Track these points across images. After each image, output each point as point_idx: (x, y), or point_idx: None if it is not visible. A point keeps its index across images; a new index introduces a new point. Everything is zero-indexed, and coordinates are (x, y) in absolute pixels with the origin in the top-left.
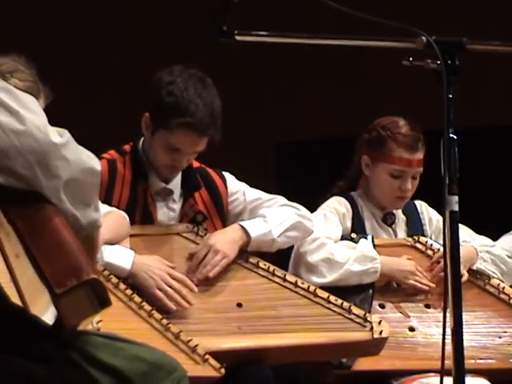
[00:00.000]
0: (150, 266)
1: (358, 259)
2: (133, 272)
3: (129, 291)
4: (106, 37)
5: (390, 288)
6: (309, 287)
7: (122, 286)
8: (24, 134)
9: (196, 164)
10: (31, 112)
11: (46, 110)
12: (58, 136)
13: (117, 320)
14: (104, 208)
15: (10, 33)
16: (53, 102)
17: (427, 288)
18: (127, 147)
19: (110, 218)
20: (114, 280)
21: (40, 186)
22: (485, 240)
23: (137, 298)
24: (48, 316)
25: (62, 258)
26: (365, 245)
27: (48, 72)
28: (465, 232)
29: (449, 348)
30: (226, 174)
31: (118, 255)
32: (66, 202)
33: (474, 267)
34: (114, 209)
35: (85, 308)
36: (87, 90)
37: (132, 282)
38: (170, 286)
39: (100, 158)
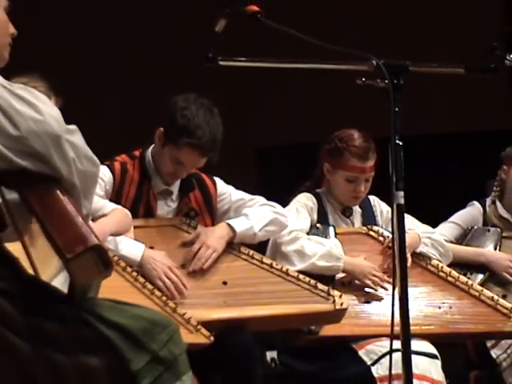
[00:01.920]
0: (155, 259)
1: (325, 256)
2: (141, 263)
3: (134, 273)
4: (110, 53)
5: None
6: (282, 268)
7: (129, 269)
8: (41, 122)
9: (193, 170)
10: (47, 105)
11: None
12: (69, 126)
13: (124, 297)
14: (110, 205)
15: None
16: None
17: (380, 286)
18: (137, 153)
19: (116, 214)
20: (122, 264)
21: (56, 164)
22: (426, 227)
23: (141, 279)
24: (58, 281)
25: (70, 229)
26: (333, 244)
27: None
28: (409, 221)
29: (397, 316)
30: (216, 179)
31: (131, 248)
32: (78, 184)
33: (418, 250)
34: (119, 206)
35: (92, 269)
36: (88, 103)
37: (139, 271)
38: (168, 278)
39: (114, 161)
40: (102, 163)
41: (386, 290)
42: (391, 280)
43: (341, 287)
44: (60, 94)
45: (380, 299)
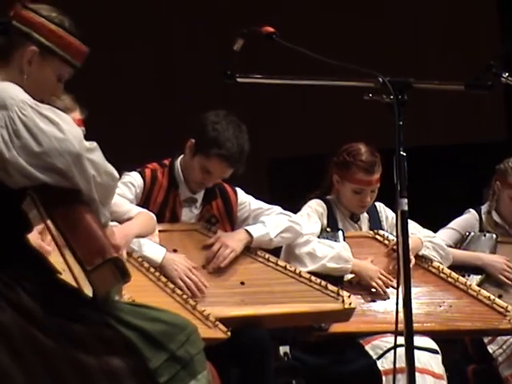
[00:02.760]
0: (175, 261)
1: (334, 258)
2: (162, 265)
3: (157, 273)
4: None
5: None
6: (295, 270)
7: (152, 270)
8: (64, 140)
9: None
10: (69, 125)
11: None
12: (89, 144)
13: (148, 295)
14: (136, 209)
15: None
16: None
17: (384, 290)
18: (166, 161)
19: (141, 217)
20: (146, 265)
21: (76, 181)
22: (427, 232)
23: (163, 279)
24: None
25: (90, 243)
26: (342, 247)
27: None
28: (412, 226)
29: (401, 314)
30: (238, 189)
31: (153, 250)
32: (96, 198)
33: (420, 253)
34: (145, 210)
35: (110, 279)
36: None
37: (161, 272)
38: (189, 278)
39: (145, 168)
40: (134, 170)
41: (388, 293)
42: (395, 283)
43: (349, 287)
44: (84, 106)
45: (385, 298)
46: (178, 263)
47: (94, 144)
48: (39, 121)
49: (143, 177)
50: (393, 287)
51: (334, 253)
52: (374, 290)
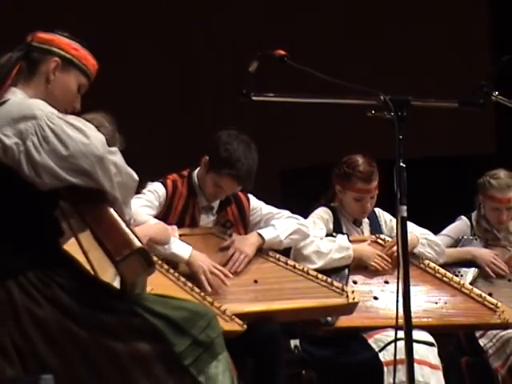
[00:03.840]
0: (200, 259)
1: (338, 249)
2: (188, 261)
3: (176, 274)
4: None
5: (360, 270)
6: (303, 268)
7: (172, 271)
8: (88, 145)
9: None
10: (93, 131)
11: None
12: (112, 148)
13: (169, 293)
14: (153, 220)
15: None
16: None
17: (383, 267)
18: (185, 172)
19: (157, 225)
20: (166, 266)
21: (100, 181)
22: (423, 230)
23: (182, 279)
24: (116, 284)
25: (117, 236)
26: (341, 238)
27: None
28: (409, 225)
29: (401, 311)
30: (250, 196)
31: (181, 248)
32: (119, 197)
33: (416, 250)
34: (161, 222)
35: (137, 268)
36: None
37: (187, 268)
38: (212, 273)
39: (166, 179)
40: (157, 180)
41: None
42: (390, 264)
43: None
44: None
45: (385, 274)
46: (204, 260)
47: (115, 148)
48: (66, 127)
49: (165, 186)
50: (389, 264)
51: (336, 245)
52: (375, 287)
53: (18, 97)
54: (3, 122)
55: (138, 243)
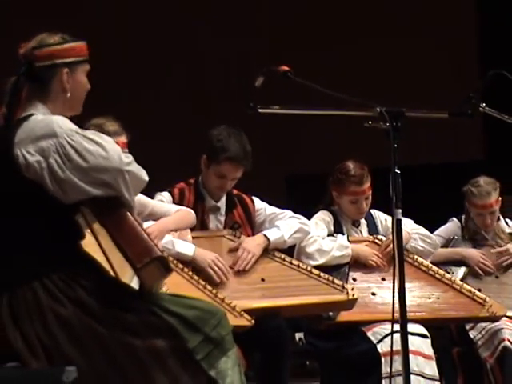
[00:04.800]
0: (204, 253)
1: (338, 247)
2: (194, 258)
3: (190, 273)
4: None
5: (359, 268)
6: (306, 267)
7: (186, 270)
8: (107, 158)
9: (235, 191)
10: (110, 144)
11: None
12: (127, 158)
13: (183, 291)
14: (174, 207)
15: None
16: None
17: (379, 265)
18: (191, 180)
19: (178, 213)
20: (180, 266)
21: (119, 189)
22: (414, 225)
23: (195, 277)
24: (133, 284)
25: (138, 245)
26: (341, 238)
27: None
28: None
29: (397, 305)
30: (254, 198)
31: (185, 247)
32: (134, 201)
33: (409, 246)
34: (183, 207)
35: (156, 274)
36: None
37: (193, 264)
38: (217, 266)
39: (174, 188)
40: (165, 190)
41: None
42: (386, 263)
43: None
44: (128, 130)
45: (382, 271)
46: (207, 255)
47: (131, 157)
48: (85, 143)
49: (172, 195)
50: (384, 264)
51: (337, 244)
52: (373, 284)
53: (39, 111)
54: (26, 139)
55: (157, 251)
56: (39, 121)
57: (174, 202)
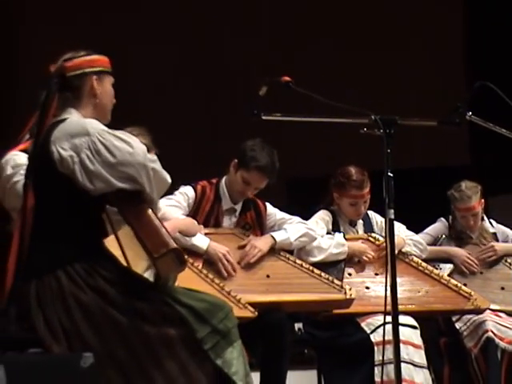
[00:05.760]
0: (217, 247)
1: (336, 245)
2: (207, 250)
3: (199, 267)
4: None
5: (354, 264)
6: (309, 267)
7: (195, 264)
8: (133, 154)
9: (251, 196)
10: (137, 143)
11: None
12: (152, 156)
13: (193, 284)
14: (182, 216)
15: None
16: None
17: (373, 259)
18: (214, 180)
19: (185, 219)
20: (191, 260)
21: (142, 184)
22: (408, 232)
23: (204, 271)
24: (147, 275)
25: (156, 237)
26: (338, 236)
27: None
28: (397, 227)
29: (389, 299)
30: (267, 203)
31: (200, 240)
32: (156, 197)
33: (404, 250)
34: (189, 218)
35: (171, 265)
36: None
37: (206, 257)
38: (227, 260)
39: (197, 184)
40: (189, 184)
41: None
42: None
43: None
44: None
45: (376, 283)
46: (219, 249)
47: (155, 157)
48: (114, 141)
49: (195, 190)
50: (378, 258)
51: (334, 242)
52: (367, 278)
53: (73, 115)
54: (61, 137)
55: (173, 244)
56: (74, 122)
57: (195, 197)
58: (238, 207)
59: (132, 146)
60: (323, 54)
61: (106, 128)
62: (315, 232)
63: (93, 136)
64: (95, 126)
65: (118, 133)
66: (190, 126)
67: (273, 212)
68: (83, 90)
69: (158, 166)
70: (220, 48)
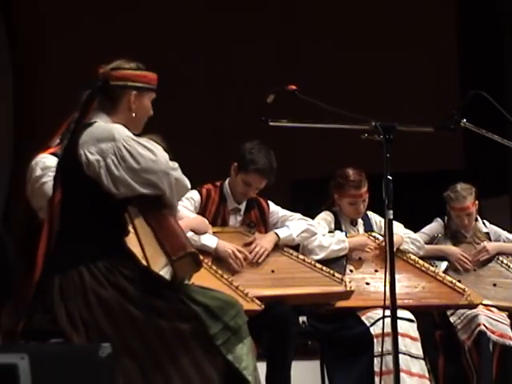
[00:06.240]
0: (225, 245)
1: (336, 242)
2: (216, 249)
3: (209, 263)
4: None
5: (355, 261)
6: (311, 262)
7: (206, 260)
8: (156, 162)
9: (254, 195)
10: (160, 151)
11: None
12: (173, 164)
13: (204, 279)
14: (193, 215)
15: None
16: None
17: (373, 256)
18: (218, 183)
19: (196, 218)
20: (201, 257)
21: (164, 190)
22: (406, 230)
23: (214, 267)
24: (163, 273)
25: (174, 240)
26: (339, 234)
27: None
28: (396, 226)
29: (388, 293)
30: (270, 202)
31: (209, 240)
32: (175, 203)
33: (401, 247)
34: (200, 216)
35: (188, 267)
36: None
37: (215, 255)
38: (236, 256)
39: (202, 188)
40: (195, 188)
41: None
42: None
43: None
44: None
45: (376, 279)
46: (227, 246)
47: (176, 164)
48: (139, 148)
49: (200, 194)
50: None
51: (335, 239)
52: (368, 275)
53: (103, 120)
54: (89, 141)
55: (191, 247)
56: (101, 127)
57: (201, 200)
58: (242, 207)
59: (155, 153)
60: (323, 54)
61: (131, 134)
62: (315, 227)
63: (118, 142)
64: (121, 131)
65: (143, 140)
66: (199, 130)
67: (275, 210)
68: (120, 102)
69: (179, 173)
70: (225, 51)
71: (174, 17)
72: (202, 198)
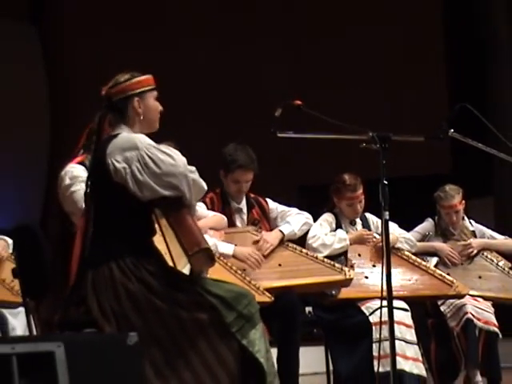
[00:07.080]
0: (242, 250)
1: (338, 241)
2: (234, 255)
3: (225, 260)
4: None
5: (355, 257)
6: (313, 255)
7: (221, 257)
8: (175, 165)
9: (252, 195)
10: (179, 156)
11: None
12: (191, 167)
13: (220, 274)
14: (211, 213)
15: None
16: None
17: (374, 244)
18: (218, 190)
19: (214, 217)
20: (217, 255)
21: (184, 192)
22: (401, 230)
23: (229, 264)
24: (186, 271)
25: (191, 236)
26: (340, 232)
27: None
28: (391, 226)
29: (384, 286)
30: (267, 199)
31: (225, 247)
32: (194, 203)
33: (396, 246)
34: (218, 214)
35: (203, 262)
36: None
37: (234, 258)
38: (253, 258)
39: (205, 198)
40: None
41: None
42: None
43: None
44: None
45: (374, 273)
46: (245, 251)
47: (194, 168)
48: (159, 154)
49: (205, 203)
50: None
51: (337, 238)
52: (367, 269)
53: (124, 131)
54: (115, 150)
55: (205, 243)
56: (125, 137)
57: (207, 209)
58: (243, 206)
59: (174, 158)
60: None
61: (152, 142)
62: (311, 219)
63: (141, 150)
64: (143, 140)
65: (162, 147)
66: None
67: (274, 206)
68: (128, 111)
69: (196, 175)
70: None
71: (174, 17)
72: (207, 207)
